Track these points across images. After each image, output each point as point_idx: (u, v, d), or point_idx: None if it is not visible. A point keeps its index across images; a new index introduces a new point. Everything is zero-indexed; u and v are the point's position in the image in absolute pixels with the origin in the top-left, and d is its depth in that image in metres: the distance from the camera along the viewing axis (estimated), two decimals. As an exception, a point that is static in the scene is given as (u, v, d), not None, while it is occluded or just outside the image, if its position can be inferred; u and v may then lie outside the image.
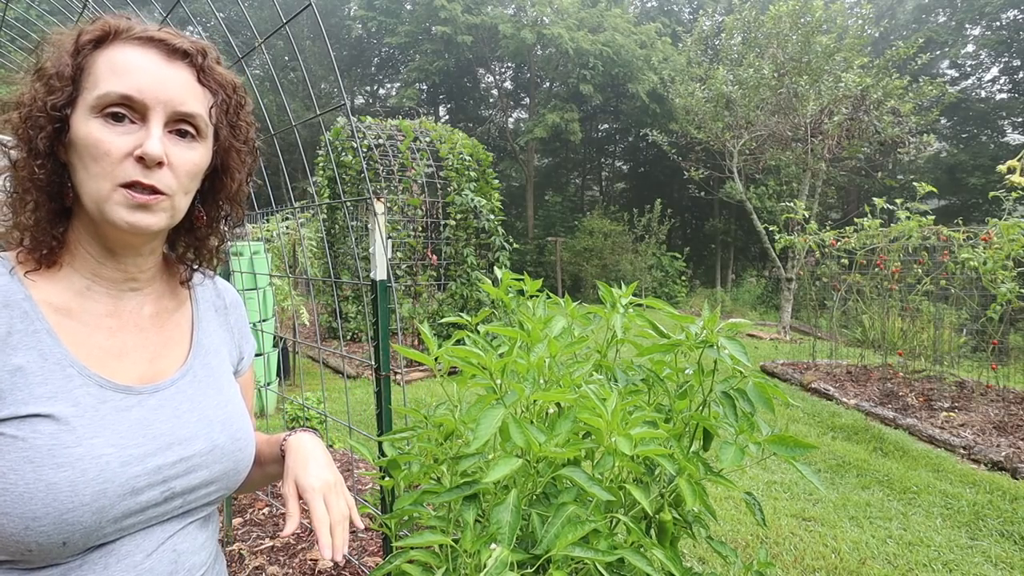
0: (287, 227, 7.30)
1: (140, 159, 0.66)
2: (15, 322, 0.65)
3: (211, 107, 0.73)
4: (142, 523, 0.69)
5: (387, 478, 1.28)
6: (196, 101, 0.70)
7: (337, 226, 8.04)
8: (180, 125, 0.70)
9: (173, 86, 0.68)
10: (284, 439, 0.86)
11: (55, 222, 0.70)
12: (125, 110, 0.66)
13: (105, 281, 0.73)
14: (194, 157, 0.71)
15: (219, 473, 0.76)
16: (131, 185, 0.66)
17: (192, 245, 0.82)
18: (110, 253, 0.72)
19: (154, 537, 0.71)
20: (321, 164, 7.95)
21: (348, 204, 6.58)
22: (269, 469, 0.89)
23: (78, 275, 0.72)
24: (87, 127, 0.65)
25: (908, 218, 5.61)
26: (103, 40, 0.68)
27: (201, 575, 0.78)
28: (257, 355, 4.57)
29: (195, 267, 0.84)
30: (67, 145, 0.68)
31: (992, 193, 5.27)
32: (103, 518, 0.64)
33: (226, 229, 0.84)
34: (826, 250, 6.83)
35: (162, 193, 0.68)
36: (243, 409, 0.84)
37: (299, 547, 2.52)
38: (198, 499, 0.75)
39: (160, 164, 0.67)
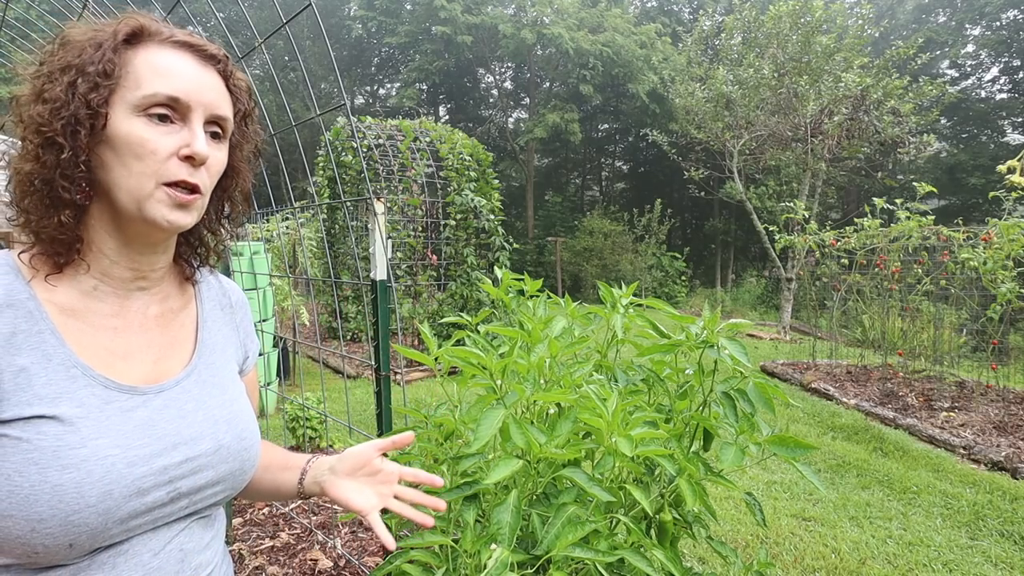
0: (287, 227, 7.30)
1: (187, 158, 0.68)
2: (19, 322, 0.65)
3: (235, 113, 0.76)
4: (148, 524, 0.69)
5: (387, 478, 1.28)
6: (227, 105, 0.74)
7: (337, 226, 8.04)
8: (212, 127, 0.72)
9: (210, 90, 0.71)
10: (309, 460, 0.92)
11: (78, 221, 0.70)
12: (168, 111, 0.68)
13: (113, 281, 0.73)
14: (221, 158, 0.74)
15: (225, 473, 0.77)
16: (175, 184, 0.68)
17: (193, 243, 0.83)
18: (126, 250, 0.72)
19: (161, 536, 0.71)
20: (321, 164, 7.95)
21: (348, 204, 6.58)
22: (281, 476, 0.91)
23: (86, 274, 0.72)
24: (130, 125, 0.66)
25: (908, 218, 5.61)
26: (134, 38, 0.69)
27: (207, 574, 0.77)
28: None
29: (196, 264, 0.85)
30: (99, 142, 0.67)
31: (992, 193, 5.27)
32: (109, 519, 0.63)
33: (229, 227, 0.85)
34: (826, 250, 6.83)
35: (200, 192, 0.70)
36: (248, 409, 0.84)
37: (299, 547, 2.52)
38: (204, 499, 0.75)
39: (203, 164, 0.70)
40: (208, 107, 0.70)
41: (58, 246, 0.69)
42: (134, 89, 0.67)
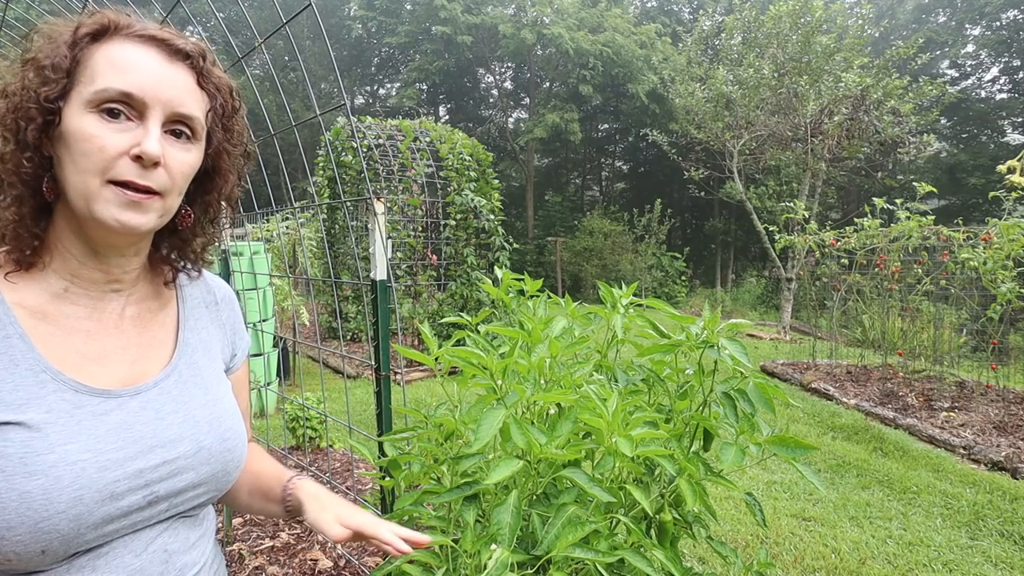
0: (287, 227, 7.30)
1: (137, 158, 0.64)
2: None
3: (208, 111, 0.72)
4: (127, 528, 0.67)
5: (387, 478, 1.28)
6: (194, 103, 0.69)
7: (337, 226, 8.04)
8: (176, 126, 0.68)
9: (173, 86, 0.67)
10: (291, 479, 0.89)
11: (37, 219, 0.68)
12: (123, 107, 0.64)
13: (85, 282, 0.71)
14: (189, 159, 0.70)
15: (206, 475, 0.75)
16: (124, 184, 0.64)
17: (176, 246, 0.80)
18: (93, 253, 0.70)
19: (142, 537, 0.70)
20: (321, 164, 7.95)
21: (348, 204, 6.58)
22: (266, 506, 0.90)
23: (56, 276, 0.70)
24: (81, 121, 0.63)
25: (908, 218, 5.61)
26: (101, 34, 0.66)
27: (195, 574, 0.76)
28: (257, 355, 4.56)
29: (179, 268, 0.82)
30: (55, 138, 0.66)
31: (992, 193, 5.27)
32: (81, 525, 0.62)
33: (212, 230, 0.82)
34: (826, 250, 6.83)
35: (156, 193, 0.66)
36: (233, 408, 0.82)
37: (299, 547, 2.52)
38: (185, 502, 0.73)
39: (156, 164, 0.65)
40: (168, 104, 0.66)
41: (14, 242, 0.67)
42: (88, 84, 0.64)
